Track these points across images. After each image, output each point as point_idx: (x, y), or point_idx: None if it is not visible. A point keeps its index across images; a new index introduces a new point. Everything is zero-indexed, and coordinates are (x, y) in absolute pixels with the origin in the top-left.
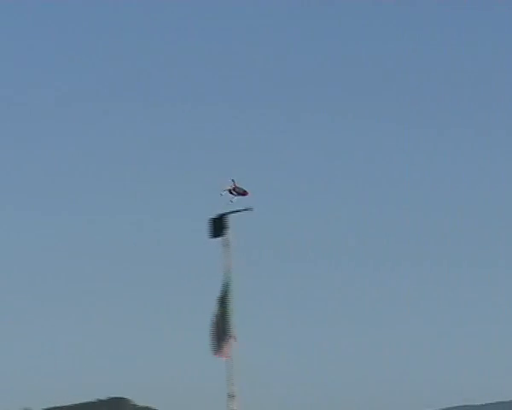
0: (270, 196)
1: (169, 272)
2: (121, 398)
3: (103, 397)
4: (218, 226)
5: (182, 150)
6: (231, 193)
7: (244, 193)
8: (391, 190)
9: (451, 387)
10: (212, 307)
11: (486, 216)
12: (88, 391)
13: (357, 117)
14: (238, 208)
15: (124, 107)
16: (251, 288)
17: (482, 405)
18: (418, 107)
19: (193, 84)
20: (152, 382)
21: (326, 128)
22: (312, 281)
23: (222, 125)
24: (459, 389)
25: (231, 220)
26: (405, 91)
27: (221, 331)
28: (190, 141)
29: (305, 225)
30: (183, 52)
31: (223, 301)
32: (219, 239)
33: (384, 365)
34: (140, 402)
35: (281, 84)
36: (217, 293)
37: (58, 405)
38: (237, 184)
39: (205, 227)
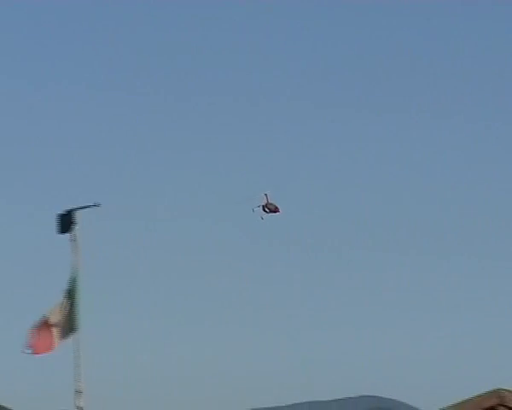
0: (121, 192)
1: (18, 267)
2: None
3: None
4: (66, 222)
5: (31, 146)
6: (264, 210)
7: (276, 210)
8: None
9: (299, 383)
10: (51, 303)
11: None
12: None
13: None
14: (86, 204)
15: None
16: (98, 283)
17: (329, 401)
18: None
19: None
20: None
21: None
22: (159, 276)
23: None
24: (306, 385)
25: (79, 216)
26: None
27: (65, 326)
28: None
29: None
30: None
31: (69, 296)
32: (67, 235)
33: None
34: None
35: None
36: (64, 287)
37: None
38: (270, 200)
39: (53, 223)
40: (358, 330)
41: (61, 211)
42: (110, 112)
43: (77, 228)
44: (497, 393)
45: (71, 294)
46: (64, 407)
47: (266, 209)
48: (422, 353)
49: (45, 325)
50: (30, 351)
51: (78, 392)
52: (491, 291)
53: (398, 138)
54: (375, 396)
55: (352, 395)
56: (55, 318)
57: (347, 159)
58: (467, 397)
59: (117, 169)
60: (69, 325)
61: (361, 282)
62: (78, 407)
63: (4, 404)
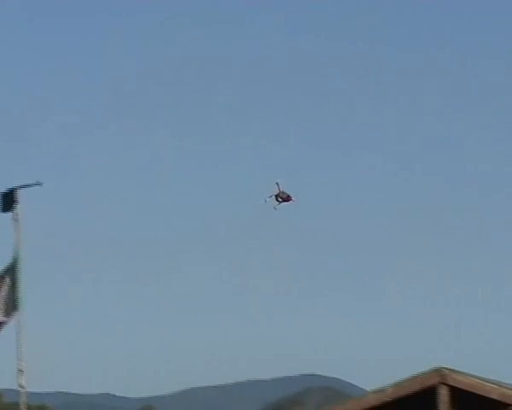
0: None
1: None
2: None
3: None
4: (8, 201)
5: None
6: (277, 200)
7: (288, 198)
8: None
9: (239, 362)
10: None
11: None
12: None
13: None
14: (28, 183)
15: None
16: (40, 261)
17: (269, 380)
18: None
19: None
20: None
21: None
22: (96, 255)
23: None
24: (247, 364)
25: (21, 195)
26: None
27: (7, 305)
28: None
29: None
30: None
31: (11, 274)
32: (9, 213)
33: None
34: None
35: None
36: (5, 266)
37: None
38: (282, 189)
39: None
40: (300, 311)
41: (3, 190)
42: (56, 90)
43: (19, 207)
44: (438, 372)
45: (12, 272)
46: (7, 386)
47: (279, 199)
48: (365, 333)
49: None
50: None
51: (20, 371)
52: (435, 274)
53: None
54: (315, 375)
55: (292, 374)
56: None
57: None
58: (408, 376)
59: (61, 149)
60: (11, 304)
61: (303, 263)
62: (20, 386)
63: None
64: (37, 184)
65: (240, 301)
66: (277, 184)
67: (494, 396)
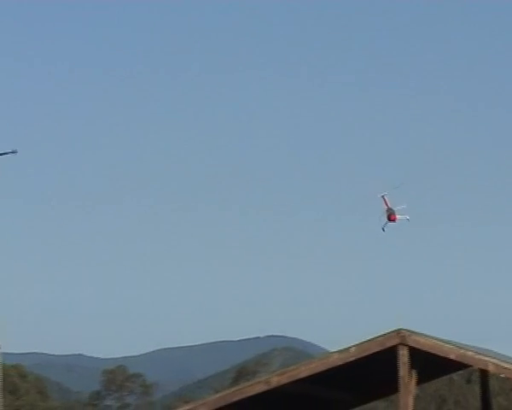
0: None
1: None
2: None
3: None
4: None
5: None
6: (389, 218)
7: (391, 217)
8: None
9: (207, 323)
10: None
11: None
12: None
13: None
14: (4, 151)
15: None
16: (15, 225)
17: (237, 341)
18: None
19: None
20: None
21: None
22: (69, 219)
23: None
24: (215, 325)
25: None
26: None
27: None
28: None
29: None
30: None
31: None
32: None
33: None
34: None
35: None
36: None
37: None
38: (389, 204)
39: None
40: (266, 272)
41: None
42: (34, 60)
43: None
44: (398, 333)
45: None
46: None
47: (387, 218)
48: (329, 294)
49: None
50: None
51: None
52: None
53: None
54: (282, 336)
55: (259, 335)
56: None
57: None
58: (370, 337)
59: (37, 117)
60: None
61: (271, 226)
62: None
63: None
64: (13, 152)
65: (211, 265)
66: (383, 197)
67: (452, 357)
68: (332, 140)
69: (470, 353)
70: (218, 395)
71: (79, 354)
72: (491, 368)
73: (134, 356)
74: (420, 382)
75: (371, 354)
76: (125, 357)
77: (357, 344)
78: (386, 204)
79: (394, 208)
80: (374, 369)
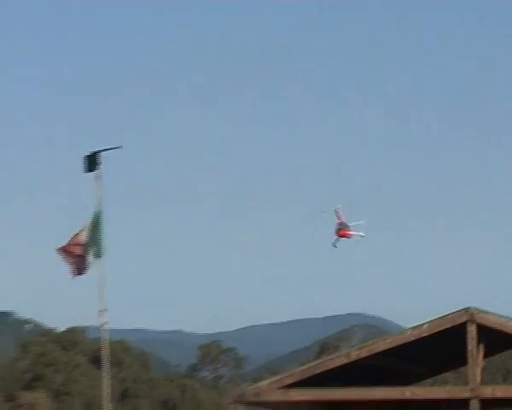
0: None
1: (47, 201)
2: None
3: None
4: (92, 162)
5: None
6: (339, 234)
7: (341, 232)
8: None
9: (293, 302)
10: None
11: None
12: None
13: None
14: (110, 146)
15: None
16: (119, 215)
17: (318, 318)
18: None
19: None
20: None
21: None
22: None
23: None
24: (300, 304)
25: (103, 157)
26: None
27: (91, 254)
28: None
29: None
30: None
31: (94, 227)
32: (93, 173)
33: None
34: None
35: None
36: (89, 219)
37: None
38: (342, 218)
39: (80, 163)
40: (350, 253)
41: (88, 152)
42: (131, 57)
43: (101, 167)
44: (467, 311)
45: (95, 225)
46: (91, 324)
47: (339, 234)
48: (404, 278)
49: (75, 250)
50: (70, 275)
51: (102, 310)
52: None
53: None
54: (361, 314)
55: (339, 313)
56: (82, 246)
57: None
58: (441, 315)
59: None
60: (95, 251)
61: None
62: (102, 323)
63: (38, 319)
64: (118, 147)
65: (302, 248)
66: (335, 210)
67: None
68: (332, 140)
69: None
70: (302, 368)
71: (177, 331)
72: None
73: (226, 332)
74: (487, 355)
75: (442, 330)
76: (218, 333)
77: (429, 321)
78: (339, 218)
79: (350, 224)
80: (444, 344)
